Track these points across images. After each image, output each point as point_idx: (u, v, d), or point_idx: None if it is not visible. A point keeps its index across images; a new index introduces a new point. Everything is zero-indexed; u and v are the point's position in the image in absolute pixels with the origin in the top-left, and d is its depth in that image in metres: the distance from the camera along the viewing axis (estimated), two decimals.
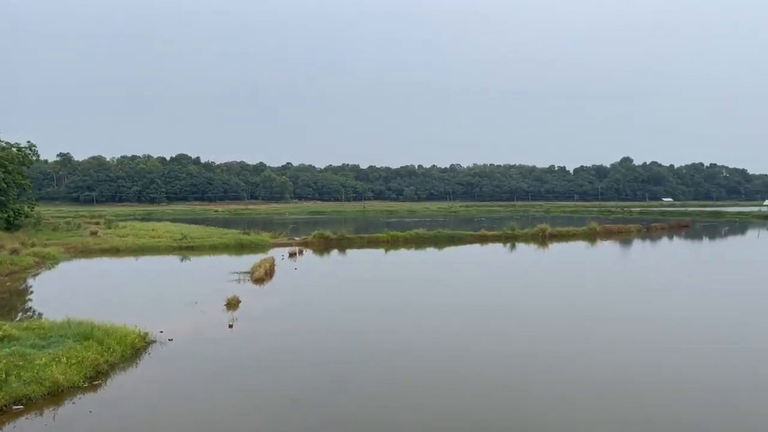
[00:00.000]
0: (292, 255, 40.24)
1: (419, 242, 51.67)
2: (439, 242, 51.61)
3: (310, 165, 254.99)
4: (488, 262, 39.83)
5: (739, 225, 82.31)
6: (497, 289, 27.36)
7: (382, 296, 25.64)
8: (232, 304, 21.89)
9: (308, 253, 43.41)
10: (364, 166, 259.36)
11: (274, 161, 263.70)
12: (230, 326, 18.92)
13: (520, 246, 48.89)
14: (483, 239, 53.57)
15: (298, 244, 47.99)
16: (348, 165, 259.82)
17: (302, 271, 33.06)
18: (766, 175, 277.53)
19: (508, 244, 49.88)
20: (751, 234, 65.88)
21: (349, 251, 45.31)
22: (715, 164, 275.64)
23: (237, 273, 30.20)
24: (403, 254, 44.44)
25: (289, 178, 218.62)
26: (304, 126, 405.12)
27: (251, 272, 29.83)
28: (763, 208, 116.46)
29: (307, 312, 21.98)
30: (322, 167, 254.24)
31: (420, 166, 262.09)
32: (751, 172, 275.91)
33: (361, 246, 48.63)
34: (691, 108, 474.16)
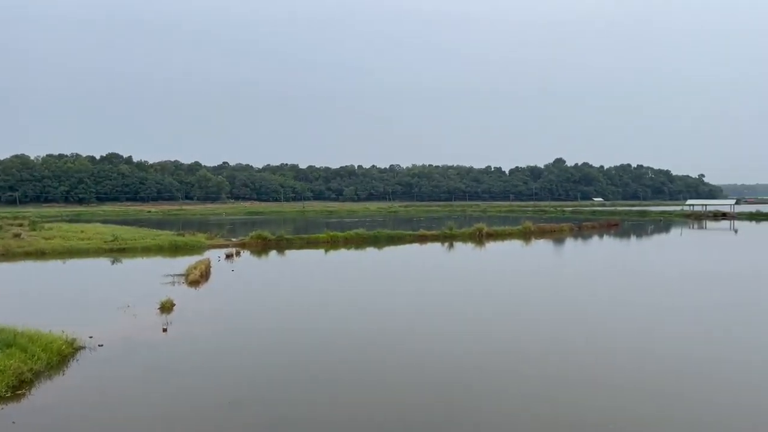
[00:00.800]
0: (229, 256, 39.46)
1: (359, 242, 51.72)
2: (379, 242, 51.83)
3: (248, 164, 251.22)
4: (425, 261, 40.26)
5: (663, 223, 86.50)
6: (433, 286, 27.66)
7: (320, 296, 25.50)
8: (166, 307, 21.27)
9: (246, 254, 42.68)
10: (303, 165, 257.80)
11: (210, 160, 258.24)
12: (164, 330, 18.39)
13: (458, 245, 49.72)
14: (422, 239, 54.15)
15: (236, 245, 47.12)
16: (287, 165, 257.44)
17: (239, 273, 32.48)
18: (687, 176, 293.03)
19: (447, 244, 50.64)
20: (675, 232, 69.36)
21: (288, 252, 44.86)
22: (641, 165, 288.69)
23: (171, 275, 29.37)
24: (343, 254, 44.38)
25: (226, 178, 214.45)
26: (241, 125, 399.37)
27: (186, 274, 29.08)
28: (686, 208, 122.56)
29: (244, 313, 21.63)
30: (260, 167, 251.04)
31: (360, 167, 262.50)
32: (674, 173, 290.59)
33: (300, 247, 48.24)
34: (620, 111, 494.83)
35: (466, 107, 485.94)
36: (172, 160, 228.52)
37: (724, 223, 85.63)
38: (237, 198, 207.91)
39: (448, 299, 24.34)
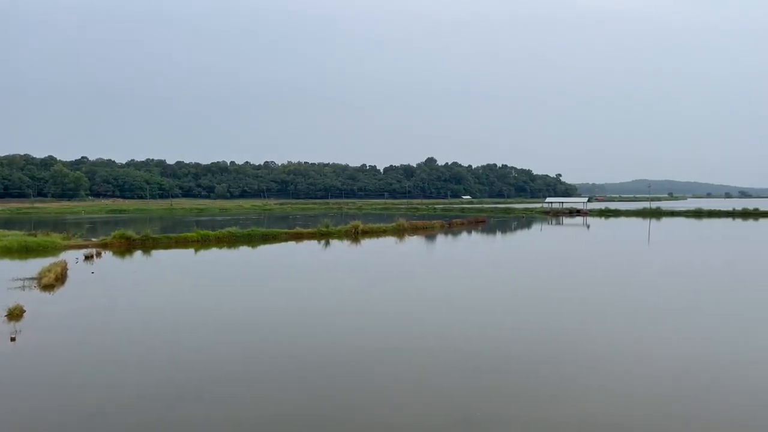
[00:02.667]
0: (88, 258, 36.68)
1: (232, 241, 50.22)
2: (253, 241, 50.65)
3: (110, 159, 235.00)
4: (300, 259, 39.95)
5: (526, 220, 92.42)
6: (308, 285, 27.52)
7: (188, 297, 24.43)
8: (15, 314, 19.37)
9: (108, 255, 39.92)
10: (171, 161, 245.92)
11: (67, 155, 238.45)
12: (12, 339, 16.71)
13: (335, 242, 49.87)
14: (298, 237, 53.68)
15: (96, 245, 43.90)
16: (153, 160, 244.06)
17: (100, 275, 30.28)
18: (546, 175, 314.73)
19: (323, 241, 50.60)
20: (536, 227, 74.30)
21: (154, 252, 42.54)
22: (506, 165, 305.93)
23: (21, 279, 26.82)
24: (215, 254, 42.85)
25: (85, 174, 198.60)
26: (102, 118, 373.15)
27: (39, 278, 26.67)
28: (545, 205, 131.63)
29: (104, 319, 20.14)
30: (124, 162, 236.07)
31: (233, 163, 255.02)
32: (535, 172, 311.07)
33: (168, 246, 45.95)
34: (489, 113, 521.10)
35: (341, 107, 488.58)
36: (22, 153, 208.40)
37: (578, 219, 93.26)
38: (98, 195, 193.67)
39: (322, 297, 24.32)
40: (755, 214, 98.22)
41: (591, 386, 13.22)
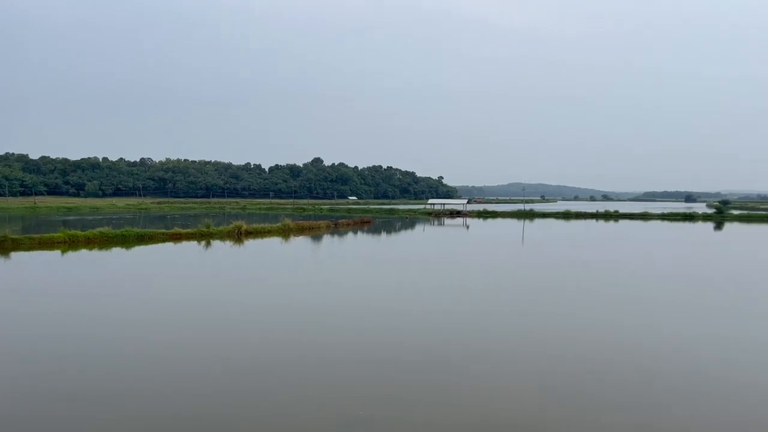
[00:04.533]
0: None
1: (104, 242, 47.03)
2: (128, 242, 47.76)
3: None
4: (178, 261, 38.17)
5: (409, 220, 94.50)
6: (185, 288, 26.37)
7: (51, 300, 22.51)
8: None
9: None
10: (34, 156, 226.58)
11: None
12: None
13: (216, 243, 48.17)
14: (177, 237, 51.30)
15: None
16: (13, 154, 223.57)
17: None
18: (429, 177, 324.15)
19: (204, 242, 48.71)
20: (419, 228, 76.15)
21: (14, 254, 38.89)
22: (391, 167, 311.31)
23: None
24: (84, 256, 39.86)
25: None
26: None
27: None
28: (428, 206, 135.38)
29: None
30: None
31: (105, 159, 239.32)
32: (419, 175, 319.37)
33: (30, 248, 42.19)
34: (372, 115, 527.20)
35: (226, 102, 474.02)
36: None
37: (459, 220, 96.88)
38: None
39: (200, 301, 23.35)
40: (615, 216, 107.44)
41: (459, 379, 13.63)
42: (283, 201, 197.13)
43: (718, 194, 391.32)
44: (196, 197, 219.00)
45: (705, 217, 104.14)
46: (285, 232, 60.07)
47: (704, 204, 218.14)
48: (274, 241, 51.83)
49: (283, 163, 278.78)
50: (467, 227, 79.10)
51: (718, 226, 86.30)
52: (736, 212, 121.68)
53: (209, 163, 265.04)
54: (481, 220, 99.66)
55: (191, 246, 46.04)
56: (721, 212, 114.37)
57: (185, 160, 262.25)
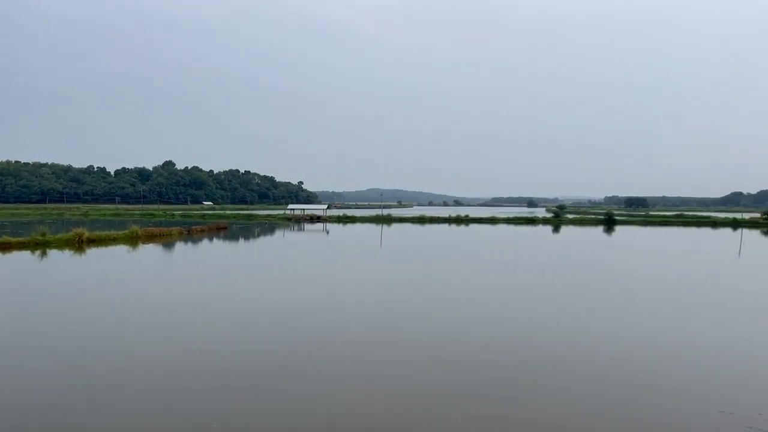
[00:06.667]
0: None
1: None
2: None
3: None
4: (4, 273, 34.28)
5: (268, 226, 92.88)
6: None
7: None
8: None
9: None
10: None
11: None
12: None
13: (53, 253, 43.91)
14: (5, 247, 46.04)
15: None
16: None
17: None
18: (289, 182, 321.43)
19: (38, 252, 44.18)
20: (279, 233, 75.05)
21: None
22: (249, 171, 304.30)
23: None
24: None
25: None
26: None
27: None
28: (287, 211, 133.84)
29: None
30: None
31: None
32: (278, 179, 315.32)
33: None
34: (230, 117, 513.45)
35: (65, 98, 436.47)
36: None
37: (319, 225, 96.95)
38: None
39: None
40: (466, 220, 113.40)
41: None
42: (131, 206, 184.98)
43: (556, 200, 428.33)
44: (30, 203, 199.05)
45: (545, 221, 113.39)
46: (133, 240, 56.27)
47: (544, 209, 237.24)
48: (122, 249, 48.30)
49: (131, 166, 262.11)
50: (327, 232, 79.29)
51: (556, 228, 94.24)
52: (570, 216, 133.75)
53: (45, 165, 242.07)
54: (341, 225, 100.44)
55: (23, 257, 41.52)
56: (559, 216, 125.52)
57: (16, 162, 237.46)
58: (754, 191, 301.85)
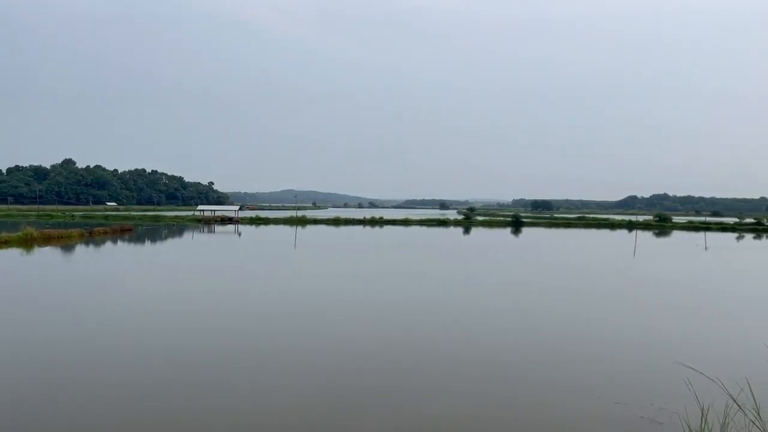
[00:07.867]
0: None
1: None
2: None
3: None
4: None
5: (177, 228, 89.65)
6: None
7: None
8: None
9: None
10: None
11: None
12: None
13: None
14: None
15: None
16: None
17: None
18: (199, 183, 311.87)
19: None
20: (187, 235, 72.61)
21: None
22: (156, 171, 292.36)
23: None
24: None
25: None
26: None
27: None
28: (197, 213, 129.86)
29: None
30: None
31: None
32: (186, 179, 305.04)
33: None
34: (130, 115, 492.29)
35: None
36: None
37: (230, 227, 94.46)
38: None
39: None
40: (381, 222, 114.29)
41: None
42: (25, 207, 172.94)
43: (466, 202, 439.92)
44: None
45: (456, 223, 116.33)
46: (27, 242, 52.63)
47: (455, 210, 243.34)
48: (14, 253, 45.05)
49: (25, 163, 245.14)
50: (239, 234, 77.51)
51: (467, 230, 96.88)
52: (480, 218, 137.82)
53: None
54: (253, 226, 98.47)
55: None
56: (469, 218, 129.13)
57: None
58: (647, 195, 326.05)
